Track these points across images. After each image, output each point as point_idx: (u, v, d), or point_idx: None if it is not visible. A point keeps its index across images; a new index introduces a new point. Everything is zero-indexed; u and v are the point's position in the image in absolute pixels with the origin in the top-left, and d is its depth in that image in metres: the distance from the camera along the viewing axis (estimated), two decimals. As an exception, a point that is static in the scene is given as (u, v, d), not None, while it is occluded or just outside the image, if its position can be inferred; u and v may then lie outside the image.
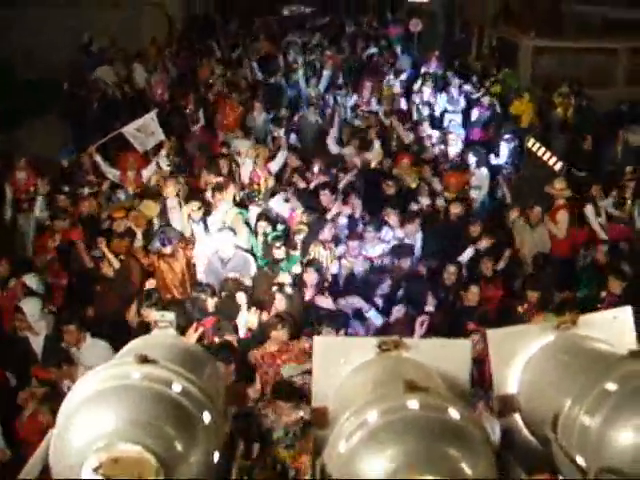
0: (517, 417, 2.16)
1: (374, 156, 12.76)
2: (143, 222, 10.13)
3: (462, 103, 16.29)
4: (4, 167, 12.45)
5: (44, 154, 14.61)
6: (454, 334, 7.57)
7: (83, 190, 11.34)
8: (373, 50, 20.62)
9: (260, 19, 26.76)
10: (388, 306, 8.80)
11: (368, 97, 15.83)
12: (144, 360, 1.89)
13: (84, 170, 12.20)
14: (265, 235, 9.93)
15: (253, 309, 8.18)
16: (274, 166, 12.14)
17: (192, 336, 7.23)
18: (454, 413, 1.77)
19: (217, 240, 9.56)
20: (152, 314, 2.18)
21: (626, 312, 2.14)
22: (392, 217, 10.39)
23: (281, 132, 13.60)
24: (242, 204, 11.19)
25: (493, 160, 13.78)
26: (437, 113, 15.81)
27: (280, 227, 10.12)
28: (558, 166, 12.73)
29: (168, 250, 9.43)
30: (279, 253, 9.36)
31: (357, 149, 12.98)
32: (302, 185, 11.63)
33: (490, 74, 19.05)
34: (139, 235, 9.91)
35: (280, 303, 8.17)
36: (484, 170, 12.81)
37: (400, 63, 19.23)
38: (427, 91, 16.26)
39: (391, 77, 17.53)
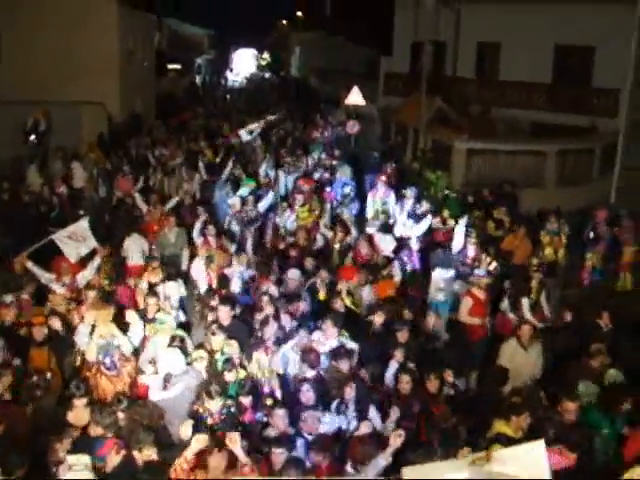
0: None
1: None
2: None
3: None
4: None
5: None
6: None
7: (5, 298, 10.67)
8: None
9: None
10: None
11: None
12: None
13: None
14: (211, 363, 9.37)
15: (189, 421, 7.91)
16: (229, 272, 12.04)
17: (114, 458, 6.96)
18: None
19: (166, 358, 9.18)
20: (68, 458, 2.08)
21: (539, 446, 2.11)
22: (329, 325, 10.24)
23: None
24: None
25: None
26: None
27: (227, 349, 9.53)
28: (492, 266, 12.96)
29: (113, 372, 9.23)
30: (230, 376, 8.94)
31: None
32: None
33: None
34: (94, 348, 9.26)
35: None
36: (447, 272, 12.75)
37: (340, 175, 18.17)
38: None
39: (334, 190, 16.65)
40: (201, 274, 12.09)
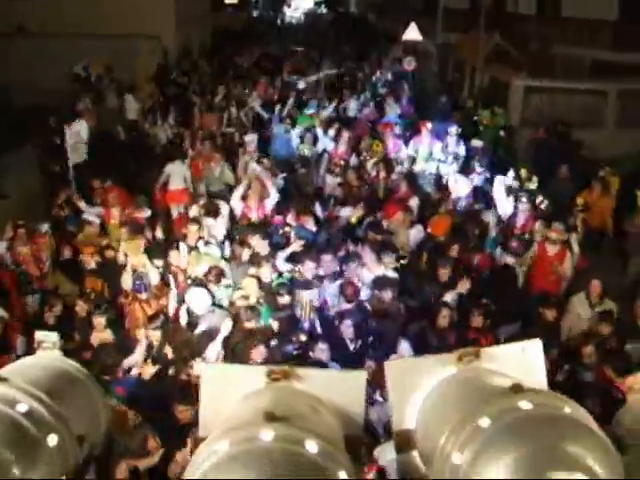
0: (415, 454, 2.04)
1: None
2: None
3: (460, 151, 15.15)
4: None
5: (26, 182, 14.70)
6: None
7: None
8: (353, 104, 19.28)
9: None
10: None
11: (345, 149, 14.91)
12: (-7, 379, 1.81)
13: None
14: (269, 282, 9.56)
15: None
16: (269, 203, 11.99)
17: (149, 369, 7.13)
18: (311, 446, 1.66)
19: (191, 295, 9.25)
20: (36, 334, 2.11)
21: (536, 345, 2.02)
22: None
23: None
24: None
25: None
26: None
27: (287, 275, 9.75)
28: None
29: (144, 296, 9.39)
30: (284, 300, 9.18)
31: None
32: None
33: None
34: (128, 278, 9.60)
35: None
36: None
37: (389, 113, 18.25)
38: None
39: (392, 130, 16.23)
40: (238, 204, 11.93)
